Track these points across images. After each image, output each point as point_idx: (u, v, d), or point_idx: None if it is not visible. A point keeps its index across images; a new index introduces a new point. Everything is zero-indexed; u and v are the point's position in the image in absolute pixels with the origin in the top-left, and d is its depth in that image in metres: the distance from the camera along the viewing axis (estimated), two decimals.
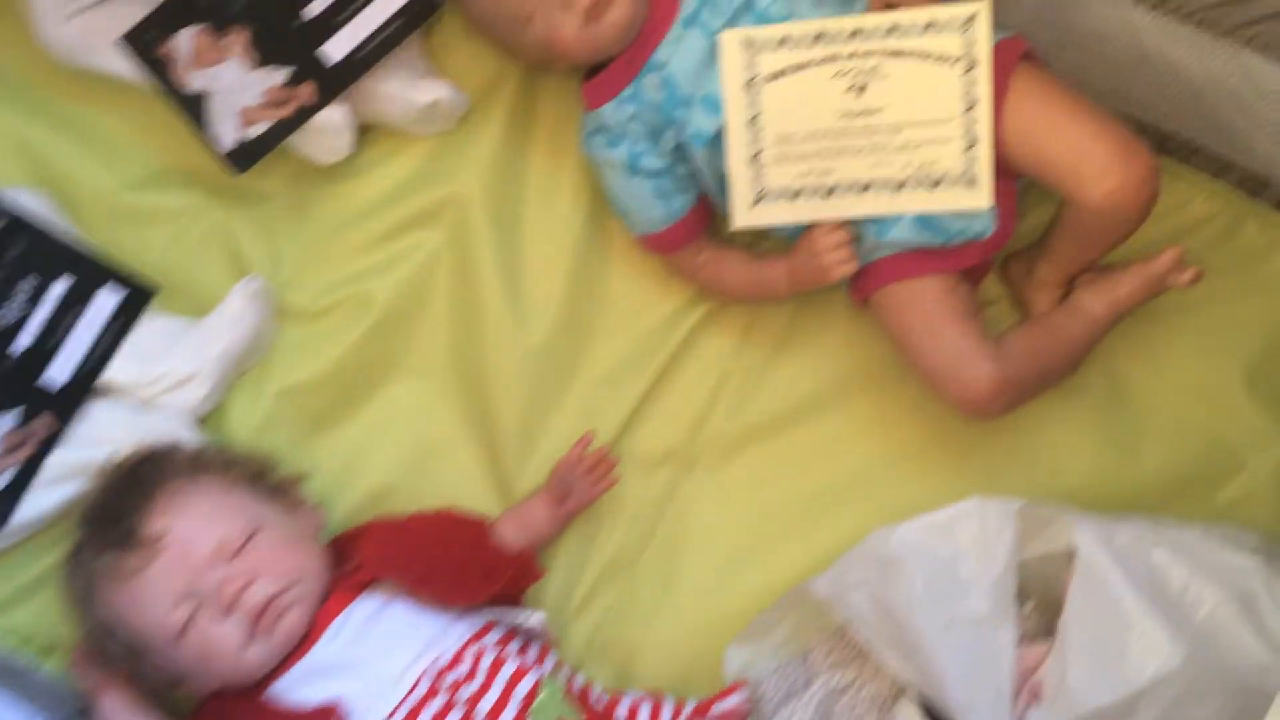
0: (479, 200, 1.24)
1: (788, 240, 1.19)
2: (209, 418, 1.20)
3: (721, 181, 1.16)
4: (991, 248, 1.15)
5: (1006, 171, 1.11)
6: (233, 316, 1.17)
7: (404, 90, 1.19)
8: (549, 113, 1.27)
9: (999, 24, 1.13)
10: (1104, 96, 1.20)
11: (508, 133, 1.26)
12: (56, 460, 1.13)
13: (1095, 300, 1.17)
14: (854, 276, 1.17)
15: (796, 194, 1.14)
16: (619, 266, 1.28)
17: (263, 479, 1.13)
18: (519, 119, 1.27)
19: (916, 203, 1.12)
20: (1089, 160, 1.05)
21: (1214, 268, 1.21)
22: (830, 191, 1.14)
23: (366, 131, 1.26)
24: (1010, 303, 1.26)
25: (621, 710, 1.13)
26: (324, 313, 1.24)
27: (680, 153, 1.16)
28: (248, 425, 1.21)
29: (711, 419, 1.26)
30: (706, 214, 1.22)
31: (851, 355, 1.26)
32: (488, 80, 1.27)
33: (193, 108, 1.16)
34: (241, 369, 1.22)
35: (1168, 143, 1.23)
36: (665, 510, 1.24)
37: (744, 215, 1.16)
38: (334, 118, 1.18)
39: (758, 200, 1.15)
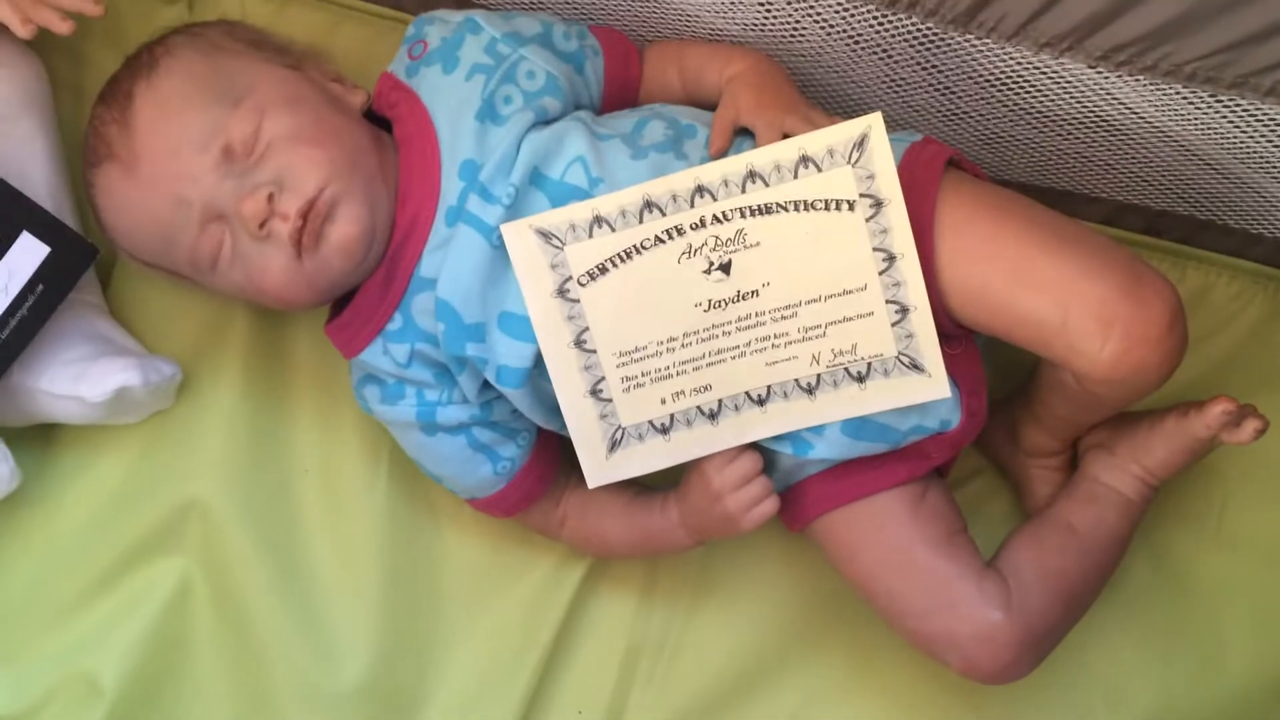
0: (229, 498, 0.89)
1: None
2: None
3: (560, 413, 0.79)
4: (961, 439, 0.80)
5: (960, 330, 0.76)
6: None
7: (68, 386, 0.81)
8: (306, 345, 0.92)
9: (897, 121, 0.78)
10: (1060, 184, 0.86)
11: (250, 390, 0.91)
12: None
13: (1119, 477, 0.82)
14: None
15: (667, 427, 0.78)
16: (454, 532, 0.94)
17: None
18: (264, 368, 0.91)
19: (842, 406, 0.76)
20: (1079, 312, 0.69)
21: (1259, 377, 0.87)
22: (715, 414, 0.78)
23: (50, 431, 0.88)
24: (995, 472, 0.91)
25: None
26: (30, 715, 0.87)
27: (494, 388, 0.80)
28: None
29: (627, 716, 0.92)
30: (552, 455, 0.86)
31: (801, 585, 0.93)
32: (207, 325, 0.90)
33: None
34: None
35: (1160, 223, 0.89)
36: None
37: (600, 471, 0.79)
38: None
39: (614, 446, 0.78)
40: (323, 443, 0.91)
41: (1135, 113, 0.75)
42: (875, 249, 0.72)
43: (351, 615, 0.89)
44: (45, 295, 0.81)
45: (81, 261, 0.82)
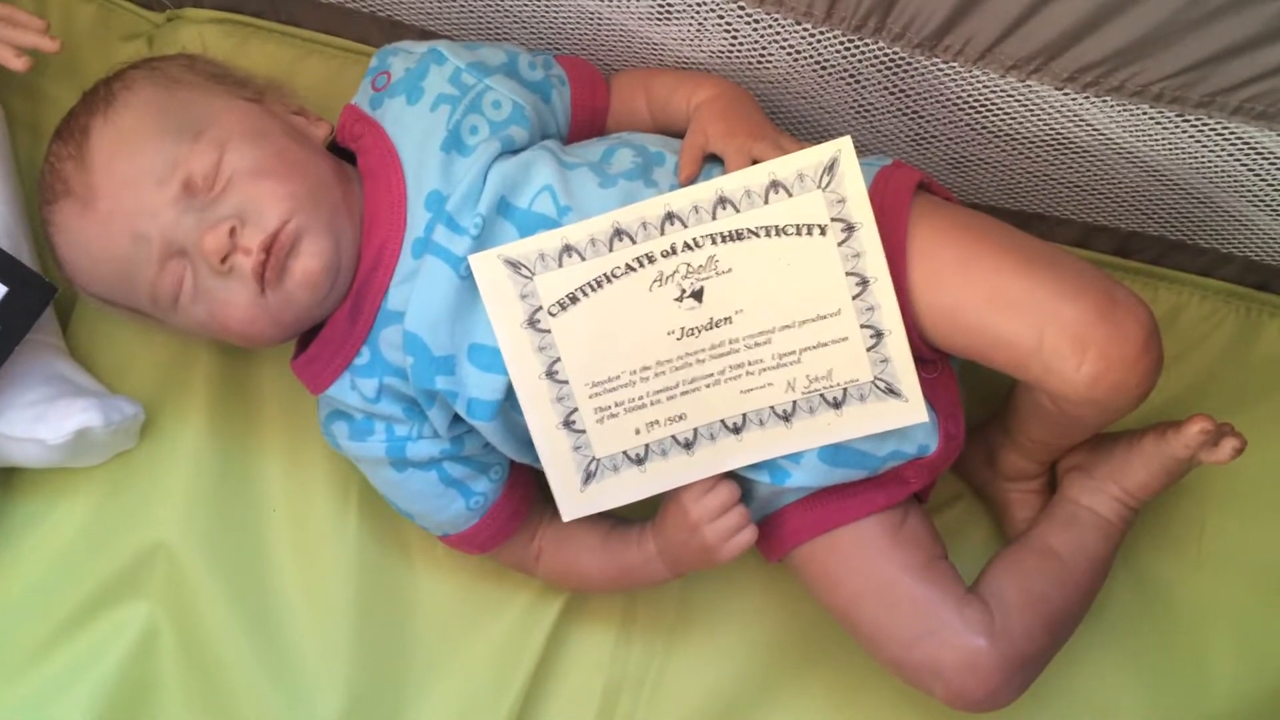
0: (194, 540, 0.87)
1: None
2: None
3: (533, 445, 0.78)
4: (939, 464, 0.79)
5: (935, 353, 0.76)
6: None
7: (28, 428, 0.79)
8: (272, 382, 0.90)
9: (866, 147, 0.77)
10: (1030, 206, 0.86)
11: (215, 429, 0.89)
12: None
13: (1098, 499, 0.81)
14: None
15: (642, 458, 0.77)
16: (427, 570, 0.92)
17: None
18: (228, 406, 0.89)
19: (819, 433, 0.75)
20: (1054, 334, 0.69)
21: (1234, 396, 0.87)
22: (690, 444, 0.76)
23: (10, 475, 0.86)
24: (974, 497, 0.90)
25: None
26: None
27: (465, 422, 0.78)
28: None
29: None
30: (526, 488, 0.84)
31: (781, 616, 0.92)
32: (170, 363, 0.88)
33: None
34: None
35: (1130, 244, 0.89)
36: None
37: (575, 504, 0.78)
38: None
39: (588, 478, 0.77)
40: (290, 481, 0.89)
41: (1103, 134, 0.75)
42: (848, 273, 0.71)
43: (323, 657, 0.87)
44: (2, 336, 0.79)
45: (39, 301, 0.80)
